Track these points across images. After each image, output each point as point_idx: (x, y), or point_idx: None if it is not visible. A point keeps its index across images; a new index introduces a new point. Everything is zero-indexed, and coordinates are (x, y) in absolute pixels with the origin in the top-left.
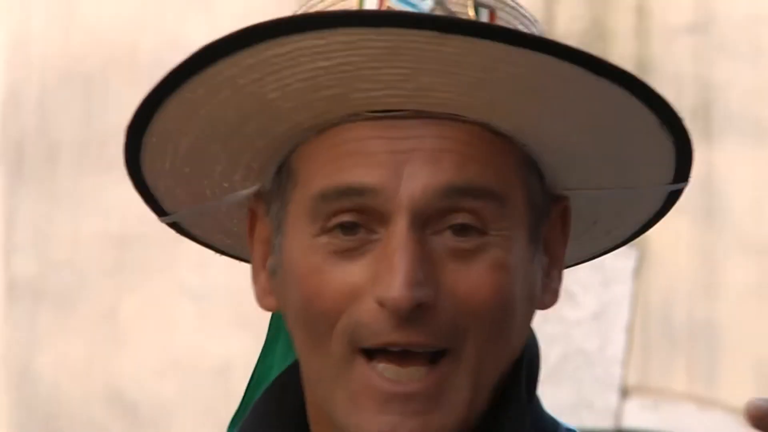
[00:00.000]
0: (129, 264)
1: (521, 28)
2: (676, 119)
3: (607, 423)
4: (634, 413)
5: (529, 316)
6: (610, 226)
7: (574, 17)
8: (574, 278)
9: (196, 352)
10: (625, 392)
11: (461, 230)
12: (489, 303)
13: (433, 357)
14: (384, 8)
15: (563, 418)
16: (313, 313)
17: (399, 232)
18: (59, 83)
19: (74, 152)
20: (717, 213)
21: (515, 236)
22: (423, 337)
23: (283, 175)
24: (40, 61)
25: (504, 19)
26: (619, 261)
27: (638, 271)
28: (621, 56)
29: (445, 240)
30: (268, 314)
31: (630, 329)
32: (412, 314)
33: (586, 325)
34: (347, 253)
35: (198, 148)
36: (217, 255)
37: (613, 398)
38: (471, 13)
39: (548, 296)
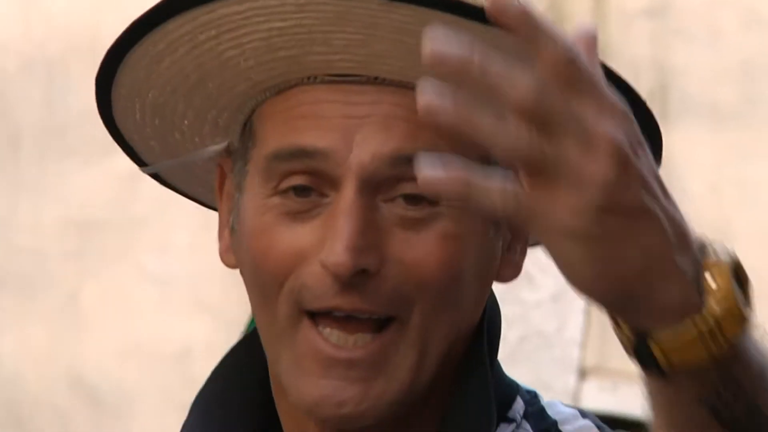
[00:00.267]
0: (90, 250)
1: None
2: (639, 100)
3: None
4: (592, 394)
5: (484, 288)
6: None
7: (532, 0)
8: (533, 260)
9: (158, 337)
10: (583, 374)
11: (412, 199)
12: (436, 273)
13: (379, 324)
14: None
15: None
16: (262, 273)
17: (346, 197)
18: (20, 70)
19: (36, 138)
20: (675, 195)
21: (468, 208)
22: (366, 304)
23: (245, 133)
24: (0, 48)
25: None
26: None
27: None
28: None
29: (396, 208)
30: (229, 299)
31: (588, 311)
32: (354, 279)
33: (544, 307)
34: (298, 216)
35: (163, 102)
36: (178, 240)
37: (571, 380)
38: None
39: (509, 270)
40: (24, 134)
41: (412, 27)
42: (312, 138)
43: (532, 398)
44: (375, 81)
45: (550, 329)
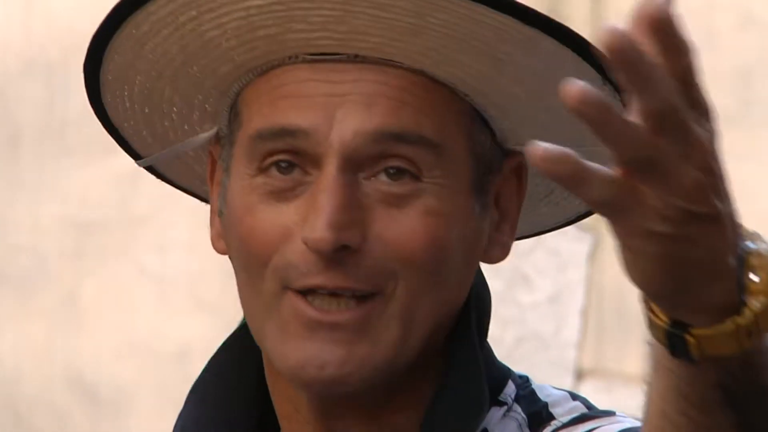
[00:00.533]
0: (89, 248)
1: None
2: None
3: None
4: (588, 396)
5: (471, 266)
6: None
7: (528, 3)
8: (530, 262)
9: (156, 336)
10: (579, 375)
11: (395, 174)
12: (418, 249)
13: (363, 298)
14: None
15: None
16: (248, 252)
17: (328, 175)
18: (20, 71)
19: (35, 138)
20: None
21: (452, 185)
22: (349, 281)
23: (232, 117)
24: (0, 49)
25: None
26: (574, 245)
27: (593, 256)
28: None
29: (379, 184)
30: (228, 298)
31: (585, 313)
32: (336, 256)
33: (541, 309)
34: (282, 194)
35: (150, 88)
36: (177, 239)
37: (567, 381)
38: None
39: (497, 250)
40: (23, 133)
41: (389, 2)
42: (294, 117)
43: (523, 382)
44: (355, 59)
45: (546, 331)
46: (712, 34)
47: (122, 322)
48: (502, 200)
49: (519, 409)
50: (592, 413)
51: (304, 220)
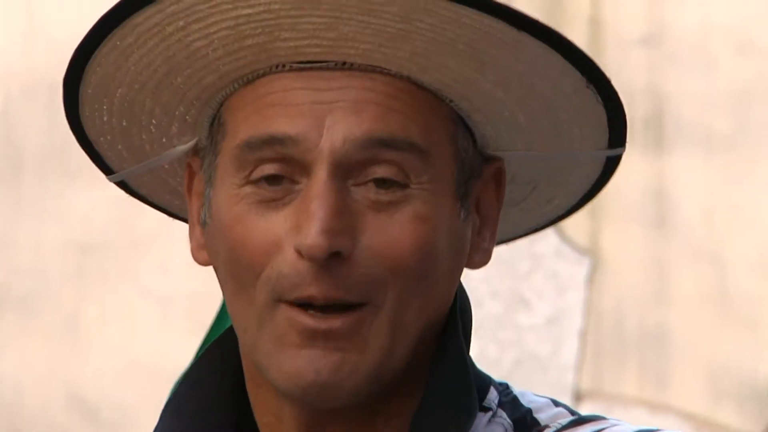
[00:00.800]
0: (90, 271)
1: None
2: (602, 78)
3: None
4: None
5: (456, 272)
6: (551, 193)
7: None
8: (529, 285)
9: (157, 357)
10: (578, 397)
11: (383, 183)
12: (408, 255)
13: (352, 308)
14: None
15: None
16: (238, 263)
17: (318, 181)
18: (22, 94)
19: (37, 161)
20: (669, 221)
21: (439, 190)
22: (340, 291)
23: (214, 128)
24: (3, 72)
25: None
26: (573, 268)
27: (591, 279)
28: None
29: (367, 192)
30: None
31: (583, 335)
32: (328, 263)
33: (539, 331)
34: (272, 204)
35: (131, 100)
36: (177, 261)
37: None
38: None
39: (479, 255)
40: (26, 156)
41: (377, 7)
42: (282, 125)
43: (504, 388)
44: (343, 66)
45: (545, 353)
46: (711, 58)
47: (124, 343)
48: (482, 206)
49: (504, 415)
50: (584, 417)
51: (296, 228)
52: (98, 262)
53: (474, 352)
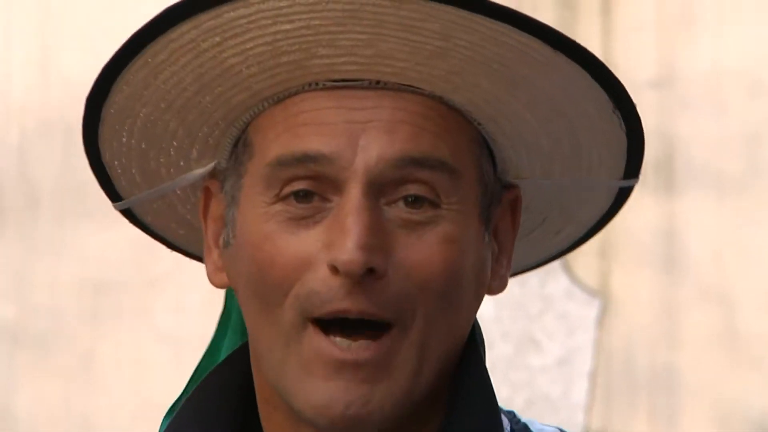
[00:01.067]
0: (105, 309)
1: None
2: (628, 105)
3: None
4: None
5: (478, 296)
6: (560, 224)
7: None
8: (540, 326)
9: (171, 396)
10: None
11: (414, 202)
12: (437, 276)
13: (380, 330)
14: None
15: None
16: (265, 282)
17: (353, 198)
18: (39, 132)
19: (53, 200)
20: (679, 263)
21: (467, 212)
22: (373, 306)
23: (239, 149)
24: (19, 111)
25: None
26: (583, 309)
27: (601, 320)
28: None
29: (398, 211)
30: None
31: (593, 376)
32: (363, 279)
33: (550, 372)
34: (302, 222)
35: (155, 120)
36: (192, 301)
37: None
38: None
39: (496, 282)
40: (42, 195)
41: (418, 24)
42: (316, 143)
43: (512, 416)
44: (376, 86)
45: (555, 394)
46: (722, 100)
47: (138, 382)
48: (500, 233)
49: None
50: None
51: (329, 246)
52: (113, 300)
53: None
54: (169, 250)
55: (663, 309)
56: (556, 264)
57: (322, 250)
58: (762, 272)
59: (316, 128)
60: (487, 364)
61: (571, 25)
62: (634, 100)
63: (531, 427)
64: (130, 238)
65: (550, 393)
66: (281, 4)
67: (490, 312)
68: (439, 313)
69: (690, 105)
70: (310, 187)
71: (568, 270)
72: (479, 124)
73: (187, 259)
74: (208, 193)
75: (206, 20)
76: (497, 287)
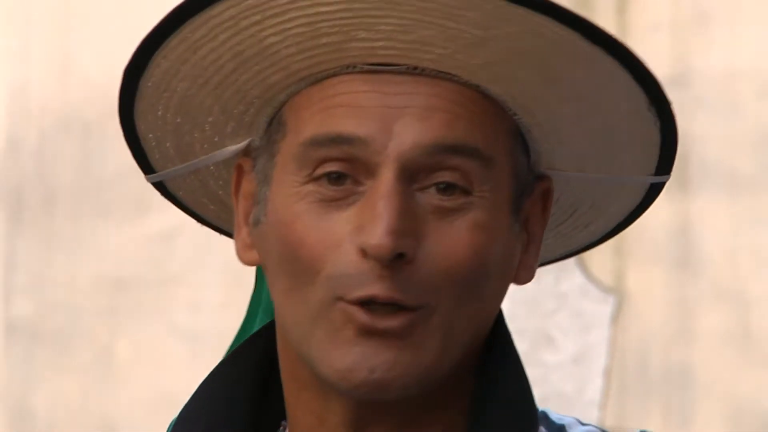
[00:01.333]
0: (123, 306)
1: None
2: (664, 102)
3: None
4: None
5: (504, 286)
6: (589, 218)
7: None
8: (554, 323)
9: (189, 392)
10: None
11: (446, 189)
12: (464, 262)
13: (408, 310)
14: None
15: None
16: (297, 262)
17: (385, 183)
18: (57, 131)
19: (72, 198)
20: (693, 261)
21: (498, 200)
22: (401, 293)
23: (273, 127)
24: (38, 110)
25: None
26: (598, 307)
27: (616, 317)
28: None
29: (430, 198)
30: None
31: (607, 373)
32: (392, 264)
33: (565, 369)
34: (333, 204)
35: (191, 96)
36: (209, 297)
37: None
38: None
39: (524, 272)
40: (60, 193)
41: (459, 12)
42: (351, 125)
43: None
44: (413, 72)
45: (570, 391)
46: (736, 100)
47: (156, 379)
48: (530, 223)
49: (543, 429)
50: None
51: (358, 230)
52: (131, 297)
53: None
54: (185, 247)
55: (677, 307)
56: (570, 261)
57: (352, 233)
58: None
59: (352, 110)
60: None
61: None
62: None
63: (551, 416)
64: (147, 235)
65: (565, 390)
66: None
67: (505, 309)
68: (465, 299)
69: (704, 104)
70: (342, 169)
71: (583, 267)
72: (514, 114)
73: (203, 256)
74: (240, 171)
75: None
76: (525, 277)
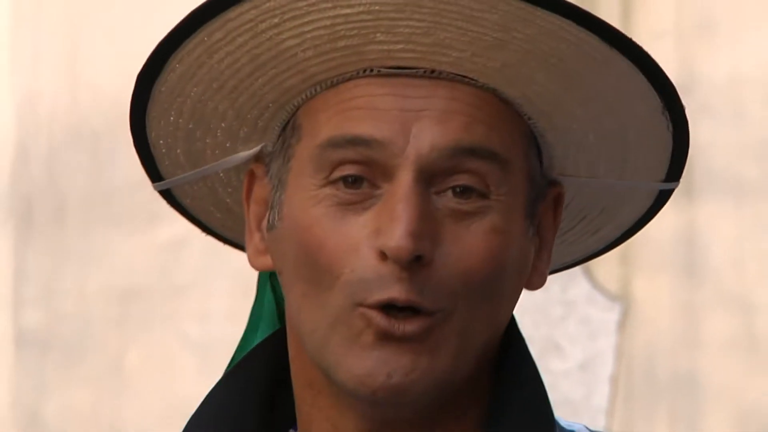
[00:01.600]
0: (133, 316)
1: None
2: (678, 107)
3: None
4: None
5: (518, 290)
6: (598, 225)
7: None
8: (562, 332)
9: (198, 400)
10: None
11: (463, 192)
12: (481, 266)
13: (424, 315)
14: None
15: None
16: (315, 266)
17: (403, 185)
18: (67, 140)
19: (82, 208)
20: (699, 268)
21: (514, 204)
22: (419, 296)
23: (287, 132)
24: (48, 120)
25: None
26: (605, 314)
27: (622, 324)
28: None
29: (447, 201)
30: None
31: (614, 380)
32: (411, 266)
33: (572, 376)
34: (351, 207)
35: (205, 101)
36: (218, 307)
37: None
38: None
39: (536, 277)
40: (70, 203)
41: (478, 14)
42: (369, 128)
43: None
44: (430, 75)
45: (577, 398)
46: (741, 107)
47: (166, 388)
48: (542, 229)
49: None
50: None
51: (377, 232)
52: (141, 307)
53: None
54: (194, 257)
55: (683, 314)
56: (577, 270)
57: (370, 236)
58: None
59: (369, 113)
60: None
61: None
62: None
63: (560, 422)
64: (157, 245)
65: (573, 397)
66: None
67: None
68: (481, 303)
69: (709, 111)
70: (359, 172)
71: (590, 275)
72: (529, 119)
73: (213, 266)
74: (251, 177)
75: (266, 1)
76: (537, 283)
